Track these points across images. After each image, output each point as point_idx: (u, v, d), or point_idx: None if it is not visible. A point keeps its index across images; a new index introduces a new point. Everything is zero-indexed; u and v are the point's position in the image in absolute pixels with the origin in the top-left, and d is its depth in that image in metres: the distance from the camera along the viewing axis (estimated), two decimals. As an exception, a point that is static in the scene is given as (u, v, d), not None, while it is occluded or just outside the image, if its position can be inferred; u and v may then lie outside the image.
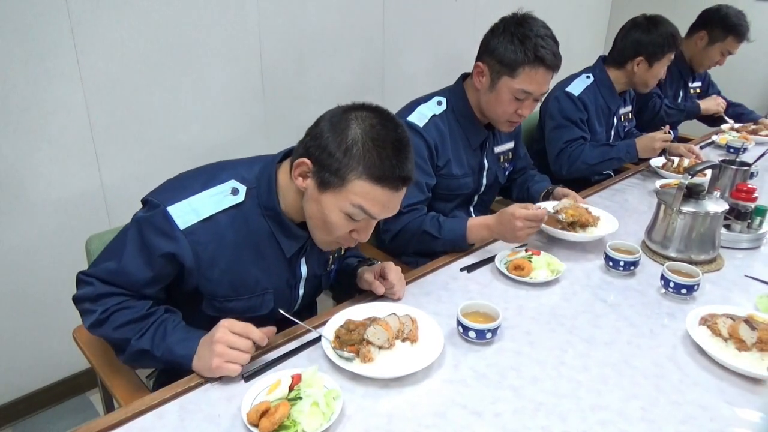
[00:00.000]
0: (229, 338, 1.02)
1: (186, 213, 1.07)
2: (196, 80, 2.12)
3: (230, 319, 1.04)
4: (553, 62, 1.51)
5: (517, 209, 1.44)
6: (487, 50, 1.57)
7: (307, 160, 1.06)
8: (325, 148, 1.04)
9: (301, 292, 1.28)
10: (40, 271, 1.94)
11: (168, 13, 1.99)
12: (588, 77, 2.26)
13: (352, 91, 2.68)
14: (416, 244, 1.60)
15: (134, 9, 1.90)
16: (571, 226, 1.57)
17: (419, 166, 1.59)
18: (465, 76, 1.70)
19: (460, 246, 1.56)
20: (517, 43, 1.49)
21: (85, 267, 1.33)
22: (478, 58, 1.60)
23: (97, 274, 1.10)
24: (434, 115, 1.64)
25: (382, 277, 1.29)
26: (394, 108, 1.73)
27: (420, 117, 1.63)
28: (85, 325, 1.12)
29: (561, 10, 3.69)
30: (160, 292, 1.14)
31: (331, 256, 1.32)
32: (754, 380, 1.09)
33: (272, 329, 1.09)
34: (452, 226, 1.56)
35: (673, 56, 2.19)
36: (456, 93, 1.69)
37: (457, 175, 1.69)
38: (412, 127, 1.61)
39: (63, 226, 1.94)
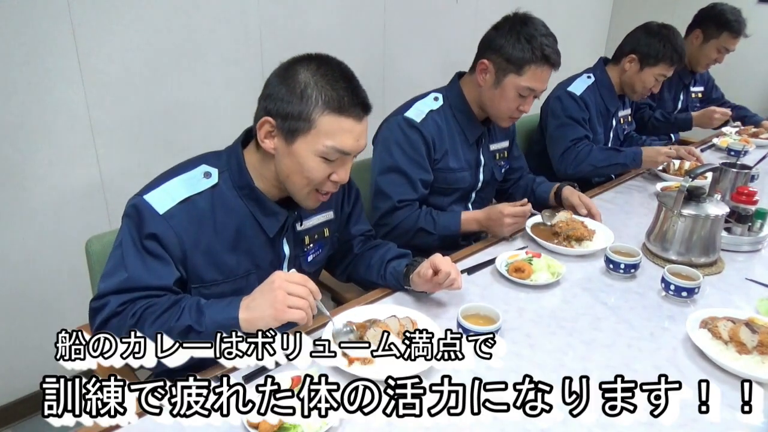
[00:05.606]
0: (288, 286, 1.02)
1: (162, 198, 1.09)
2: (196, 81, 2.12)
3: (282, 271, 1.06)
4: (556, 61, 1.58)
5: (506, 206, 1.57)
6: (491, 48, 1.60)
7: (269, 118, 1.09)
8: (282, 99, 1.07)
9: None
10: (40, 272, 1.94)
11: (169, 14, 1.99)
12: (589, 77, 2.25)
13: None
14: (411, 240, 1.65)
15: (135, 10, 1.91)
16: (567, 239, 1.59)
17: (415, 162, 1.64)
18: (460, 75, 1.75)
19: (452, 239, 1.66)
20: (524, 42, 1.55)
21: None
22: (481, 56, 1.63)
23: (110, 290, 1.07)
24: (431, 111, 1.68)
25: (435, 271, 1.24)
26: (394, 109, 1.75)
27: (417, 113, 1.67)
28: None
29: (561, 10, 3.69)
30: (175, 286, 1.12)
31: (307, 236, 1.30)
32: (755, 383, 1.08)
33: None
34: (446, 223, 1.66)
35: (669, 73, 2.15)
36: (453, 90, 1.73)
37: (454, 169, 1.72)
38: (410, 122, 1.64)
39: (63, 227, 1.93)
